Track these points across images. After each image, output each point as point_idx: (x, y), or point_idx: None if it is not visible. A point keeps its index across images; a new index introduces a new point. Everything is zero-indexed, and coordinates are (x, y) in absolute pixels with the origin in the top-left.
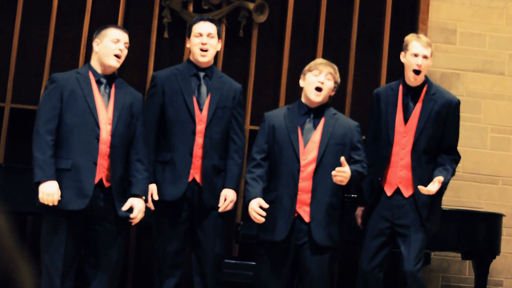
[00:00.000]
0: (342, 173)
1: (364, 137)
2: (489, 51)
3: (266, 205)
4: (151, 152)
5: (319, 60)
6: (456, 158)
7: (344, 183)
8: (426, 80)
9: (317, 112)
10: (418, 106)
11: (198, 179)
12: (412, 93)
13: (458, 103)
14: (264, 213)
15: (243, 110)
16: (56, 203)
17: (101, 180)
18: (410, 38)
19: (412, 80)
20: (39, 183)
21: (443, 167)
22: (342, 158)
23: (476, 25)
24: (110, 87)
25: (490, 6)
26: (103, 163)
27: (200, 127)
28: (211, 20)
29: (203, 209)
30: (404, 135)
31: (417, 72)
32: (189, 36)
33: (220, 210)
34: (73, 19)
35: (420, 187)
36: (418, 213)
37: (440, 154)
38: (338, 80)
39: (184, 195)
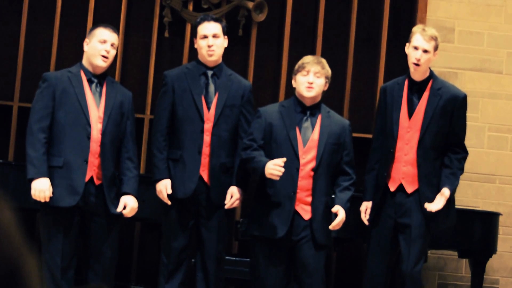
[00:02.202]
0: (339, 223)
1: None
2: (487, 50)
3: (283, 161)
4: (163, 149)
5: (307, 59)
6: (463, 155)
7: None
8: (431, 75)
9: (313, 110)
10: (423, 101)
11: (205, 177)
12: (417, 88)
13: (464, 97)
14: (283, 170)
15: (252, 108)
16: (47, 200)
17: (92, 178)
18: (415, 30)
19: (412, 70)
20: (31, 180)
21: (450, 171)
22: (334, 209)
23: (474, 24)
24: (102, 86)
25: (488, 4)
26: (93, 161)
27: (208, 125)
28: (215, 19)
29: (209, 207)
30: (408, 130)
31: (416, 64)
32: (195, 37)
33: (226, 207)
34: (76, 19)
35: (427, 205)
36: (422, 212)
37: (447, 153)
38: (329, 74)
39: (193, 193)
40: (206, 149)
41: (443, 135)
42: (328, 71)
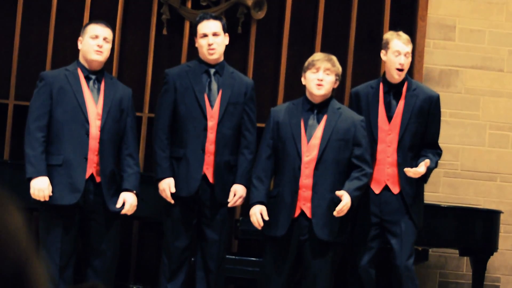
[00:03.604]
0: (343, 208)
1: None
2: (488, 48)
3: (266, 218)
4: (165, 147)
5: (317, 56)
6: (438, 151)
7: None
8: (406, 77)
9: (320, 107)
10: (401, 103)
11: (209, 175)
12: (393, 91)
13: (438, 97)
14: (262, 223)
15: (255, 105)
16: (47, 199)
17: (92, 175)
18: (390, 37)
19: (396, 77)
20: (30, 179)
21: (427, 157)
22: (338, 193)
23: (476, 21)
24: (100, 83)
25: (489, 2)
26: (93, 158)
27: (212, 123)
28: (215, 17)
29: (213, 205)
30: (388, 132)
31: (400, 70)
32: (195, 36)
33: (229, 205)
34: (72, 16)
35: (407, 169)
36: (407, 209)
37: (423, 148)
38: (339, 71)
39: (197, 191)
40: (209, 147)
41: (420, 135)
42: (339, 68)
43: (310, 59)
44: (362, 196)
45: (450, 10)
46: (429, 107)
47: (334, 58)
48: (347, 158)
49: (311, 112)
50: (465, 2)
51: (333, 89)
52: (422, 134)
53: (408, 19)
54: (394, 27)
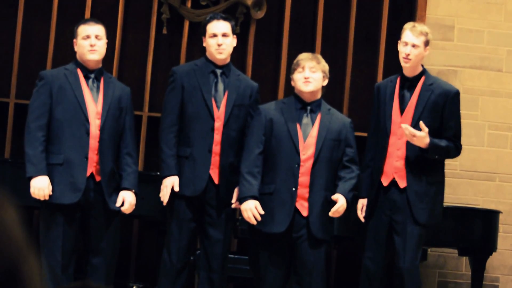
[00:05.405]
0: (339, 209)
1: (363, 134)
2: (487, 48)
3: (262, 212)
4: (173, 146)
5: (301, 56)
6: (457, 143)
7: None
8: (424, 72)
9: (313, 106)
10: (415, 96)
11: (214, 175)
12: (408, 84)
13: (456, 93)
14: (259, 218)
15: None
16: (47, 198)
17: (92, 174)
18: (406, 27)
19: (403, 65)
20: (30, 178)
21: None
22: (334, 197)
23: (474, 21)
24: (99, 82)
25: (488, 2)
26: (93, 157)
27: (218, 124)
28: (225, 18)
29: (217, 205)
30: (400, 125)
31: (405, 60)
32: (204, 35)
33: (233, 206)
34: (73, 15)
35: (405, 126)
36: (410, 208)
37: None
38: (326, 68)
39: (202, 191)
40: (216, 148)
41: (433, 131)
42: (325, 66)
43: (295, 60)
44: (375, 195)
45: (448, 10)
46: (445, 102)
47: (319, 56)
48: (339, 158)
49: (304, 111)
50: (463, 2)
51: (323, 88)
52: (436, 130)
53: (406, 19)
54: (392, 27)
